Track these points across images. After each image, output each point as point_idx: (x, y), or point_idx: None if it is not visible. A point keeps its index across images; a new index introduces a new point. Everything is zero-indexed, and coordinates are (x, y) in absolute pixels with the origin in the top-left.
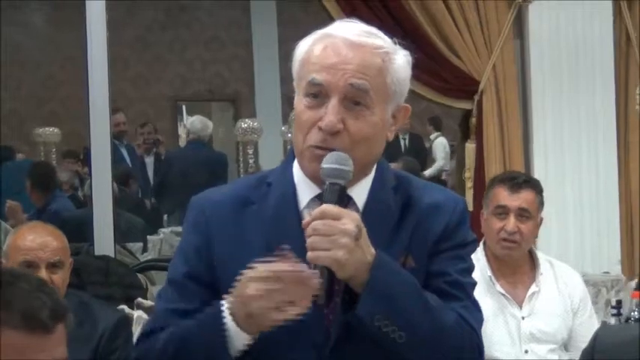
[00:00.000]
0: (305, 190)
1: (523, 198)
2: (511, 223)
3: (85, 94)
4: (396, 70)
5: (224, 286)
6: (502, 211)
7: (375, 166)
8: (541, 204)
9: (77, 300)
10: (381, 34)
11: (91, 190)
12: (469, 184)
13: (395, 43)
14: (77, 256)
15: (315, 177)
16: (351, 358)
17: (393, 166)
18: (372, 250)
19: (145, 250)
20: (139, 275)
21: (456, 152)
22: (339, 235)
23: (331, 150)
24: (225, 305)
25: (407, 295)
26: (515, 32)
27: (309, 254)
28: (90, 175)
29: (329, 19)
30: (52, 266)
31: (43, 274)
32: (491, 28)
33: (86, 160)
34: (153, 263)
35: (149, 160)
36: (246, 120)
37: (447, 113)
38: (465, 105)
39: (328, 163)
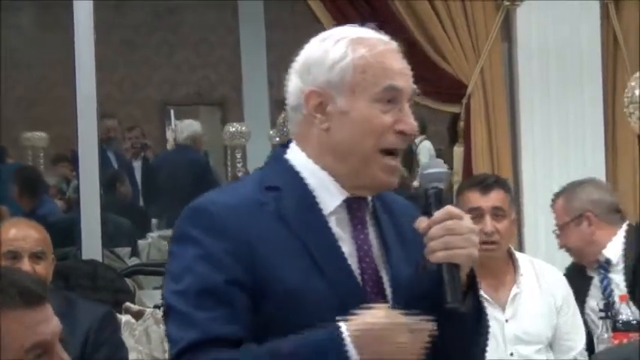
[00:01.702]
0: (330, 195)
1: (495, 197)
2: (488, 223)
3: (73, 98)
4: None
5: (268, 287)
6: (476, 214)
7: None
8: (512, 202)
9: (62, 296)
10: None
11: (79, 194)
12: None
13: None
14: (65, 260)
15: (381, 186)
16: None
17: None
18: None
19: (134, 254)
20: (127, 280)
21: (444, 156)
22: (471, 234)
23: (402, 152)
24: (347, 334)
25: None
26: (502, 35)
27: (442, 254)
28: (77, 178)
29: (316, 23)
30: (35, 257)
31: (26, 264)
32: (478, 31)
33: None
34: (141, 267)
35: (137, 165)
36: (234, 124)
37: (432, 117)
38: (452, 108)
39: (430, 168)
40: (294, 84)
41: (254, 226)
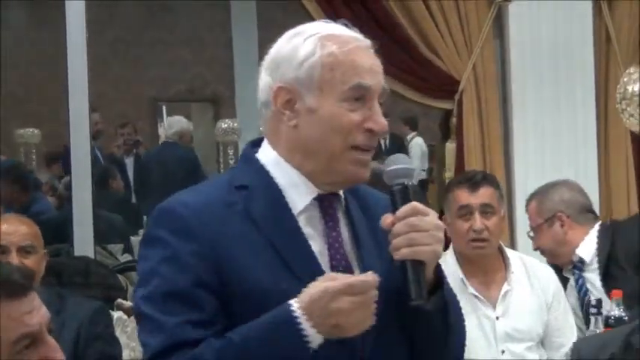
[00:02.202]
0: (299, 194)
1: (483, 194)
2: (477, 221)
3: (65, 95)
4: None
5: (236, 288)
6: (466, 211)
7: None
8: (501, 197)
9: (53, 292)
10: None
11: (71, 190)
12: None
13: None
14: (57, 257)
15: (351, 180)
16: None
17: (373, 165)
18: None
19: (126, 250)
20: (119, 276)
21: (437, 152)
22: (436, 230)
23: (372, 149)
24: (297, 308)
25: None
26: (495, 32)
27: (406, 250)
28: (70, 175)
29: (309, 20)
30: (24, 251)
31: (14, 257)
32: (471, 27)
33: (65, 159)
34: (133, 264)
35: (129, 161)
36: (226, 120)
37: (425, 113)
38: (445, 105)
39: (397, 164)
40: (263, 80)
41: (221, 226)
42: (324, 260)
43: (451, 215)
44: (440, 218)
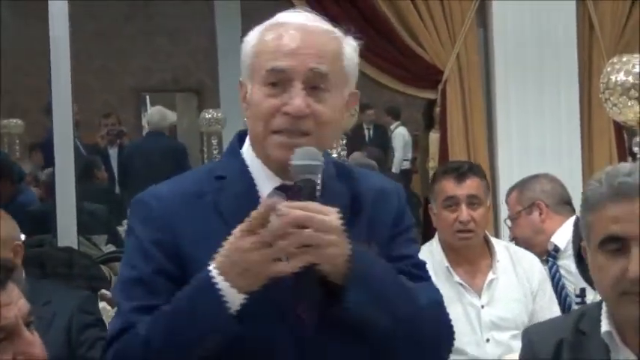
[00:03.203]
0: (264, 182)
1: (470, 185)
2: (464, 212)
3: (48, 85)
4: (350, 55)
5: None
6: (452, 202)
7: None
8: (487, 188)
9: (40, 283)
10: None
11: (54, 182)
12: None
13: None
14: (41, 247)
15: (279, 166)
16: (331, 348)
17: (356, 155)
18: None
19: (110, 241)
20: (103, 267)
21: (420, 142)
22: (324, 233)
23: (301, 134)
24: (213, 267)
25: (387, 281)
26: (478, 21)
27: (296, 253)
28: (53, 166)
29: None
30: None
31: None
32: (454, 17)
33: (45, 150)
34: (116, 255)
35: (113, 152)
36: (210, 110)
37: (408, 103)
38: (428, 94)
39: (299, 159)
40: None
41: (187, 217)
42: None
43: (437, 205)
44: (425, 208)
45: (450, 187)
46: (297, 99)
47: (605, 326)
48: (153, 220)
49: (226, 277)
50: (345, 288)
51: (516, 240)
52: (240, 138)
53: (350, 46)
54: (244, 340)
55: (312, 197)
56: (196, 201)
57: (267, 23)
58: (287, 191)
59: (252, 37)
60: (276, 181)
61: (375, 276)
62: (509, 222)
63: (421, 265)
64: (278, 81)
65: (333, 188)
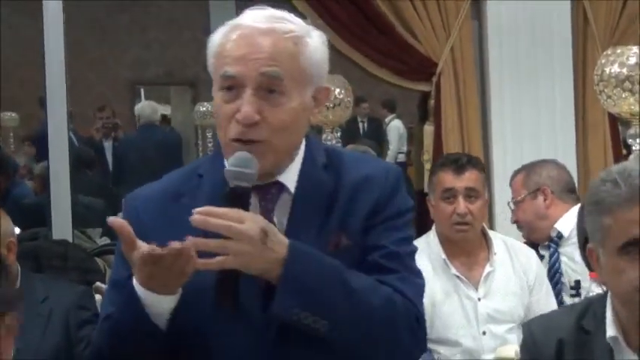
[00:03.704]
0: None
1: (468, 178)
2: (461, 204)
3: (42, 78)
4: (311, 53)
5: None
6: (450, 195)
7: (303, 146)
8: (485, 181)
9: (36, 278)
10: (292, 17)
11: (49, 174)
12: (428, 166)
13: (307, 25)
14: (35, 241)
15: None
16: (294, 350)
17: (349, 147)
18: (286, 243)
19: (105, 234)
20: (98, 259)
21: (415, 135)
22: (242, 241)
23: (250, 142)
24: (134, 277)
25: (325, 284)
26: (472, 13)
27: (214, 258)
28: (41, 158)
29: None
30: None
31: None
32: (449, 9)
33: (37, 143)
34: (111, 247)
35: (108, 145)
36: (205, 103)
37: (403, 96)
38: (423, 87)
39: (233, 165)
40: None
41: (164, 217)
42: None
43: (435, 198)
44: (420, 200)
45: (448, 179)
46: (246, 106)
47: (610, 331)
48: (133, 222)
49: (142, 284)
50: (276, 292)
51: (518, 224)
52: None
53: (314, 43)
54: (204, 342)
55: (244, 204)
56: (172, 201)
57: (229, 23)
58: (258, 191)
59: (217, 36)
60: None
61: (308, 280)
62: (512, 205)
63: (396, 255)
64: (231, 86)
65: (316, 178)
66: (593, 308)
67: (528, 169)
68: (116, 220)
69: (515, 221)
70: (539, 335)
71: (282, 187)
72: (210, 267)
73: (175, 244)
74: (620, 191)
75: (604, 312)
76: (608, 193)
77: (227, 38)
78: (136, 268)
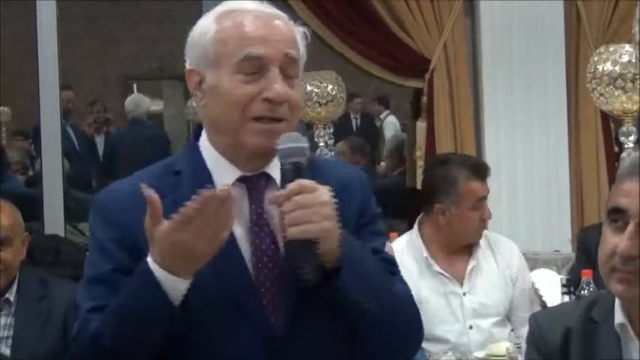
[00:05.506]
0: (222, 175)
1: (487, 184)
2: (487, 210)
3: (35, 71)
4: (302, 42)
5: None
6: (481, 203)
7: None
8: None
9: (35, 276)
10: None
11: (41, 168)
12: (420, 162)
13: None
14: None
15: (256, 152)
16: (301, 345)
17: (339, 145)
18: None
19: None
20: None
21: (408, 131)
22: (321, 207)
23: (278, 120)
24: (149, 260)
25: (374, 267)
26: (465, 10)
27: (294, 229)
28: (40, 154)
29: None
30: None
31: None
32: (442, 6)
33: (35, 139)
34: None
35: (99, 140)
36: None
37: (397, 92)
38: (416, 83)
39: (286, 143)
40: (187, 65)
41: (140, 214)
42: (244, 245)
43: (462, 207)
44: (411, 196)
45: (478, 188)
46: (278, 84)
47: (618, 318)
48: (108, 218)
49: (162, 265)
50: (340, 267)
51: None
52: (197, 132)
53: (300, 33)
54: (205, 341)
55: (298, 178)
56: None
57: (219, 11)
58: (247, 182)
59: (207, 25)
60: (235, 173)
61: (363, 260)
62: None
63: (392, 260)
64: (254, 67)
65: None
66: (602, 300)
67: None
68: (148, 189)
69: None
70: (545, 324)
71: (269, 179)
72: (294, 235)
73: (225, 186)
74: (624, 166)
75: (613, 303)
76: (619, 169)
77: (233, 22)
78: (160, 239)
